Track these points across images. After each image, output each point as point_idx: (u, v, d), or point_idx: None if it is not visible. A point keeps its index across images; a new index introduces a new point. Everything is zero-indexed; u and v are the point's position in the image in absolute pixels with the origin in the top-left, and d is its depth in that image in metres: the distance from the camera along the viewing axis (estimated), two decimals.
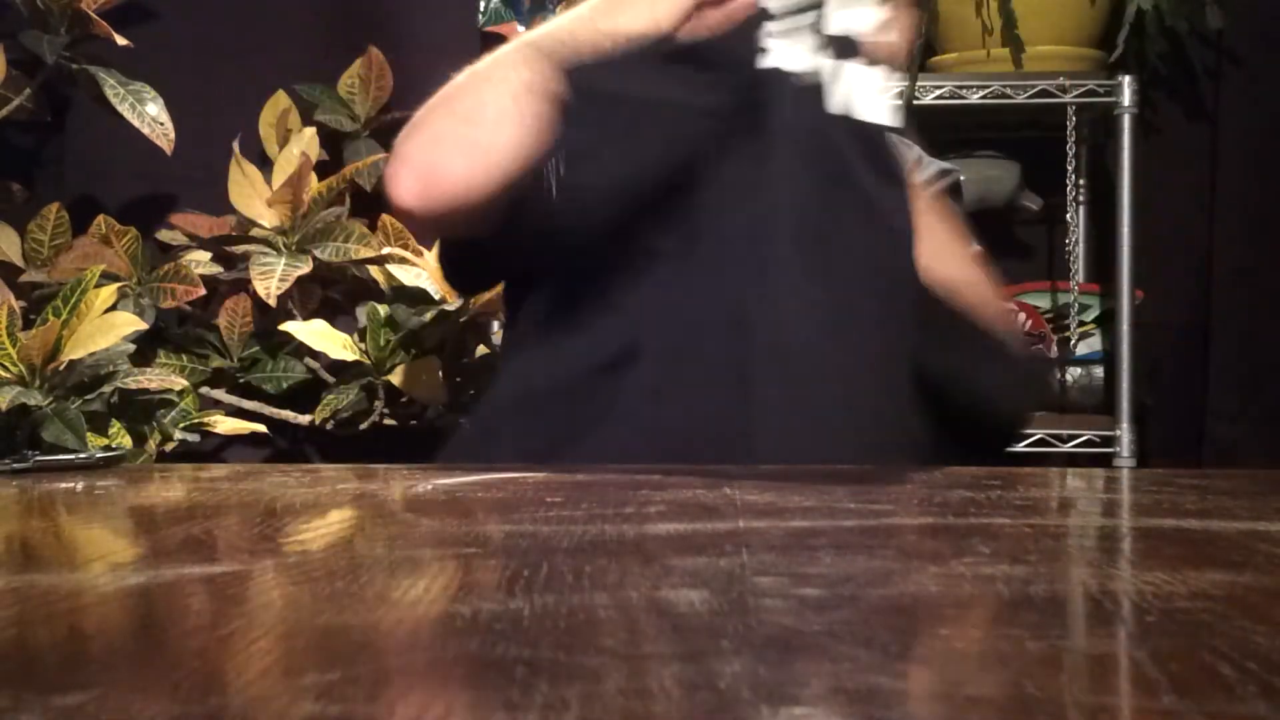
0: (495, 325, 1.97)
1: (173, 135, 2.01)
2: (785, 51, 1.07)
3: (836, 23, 1.08)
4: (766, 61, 1.06)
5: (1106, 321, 2.22)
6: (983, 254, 1.25)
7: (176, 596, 0.48)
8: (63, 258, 1.90)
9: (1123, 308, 2.10)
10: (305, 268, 1.89)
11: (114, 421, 1.84)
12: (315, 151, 2.18)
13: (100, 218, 1.96)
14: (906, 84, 2.13)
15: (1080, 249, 2.30)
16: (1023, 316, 2.32)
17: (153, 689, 0.34)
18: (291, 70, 2.40)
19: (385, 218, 1.97)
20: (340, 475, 0.85)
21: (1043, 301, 2.33)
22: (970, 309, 1.16)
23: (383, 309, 1.91)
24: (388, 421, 1.97)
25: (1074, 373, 2.21)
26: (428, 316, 1.88)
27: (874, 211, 1.09)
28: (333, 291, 2.05)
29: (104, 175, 2.33)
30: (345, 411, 1.94)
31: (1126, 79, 2.10)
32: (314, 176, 2.00)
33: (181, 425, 1.98)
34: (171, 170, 2.17)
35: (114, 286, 1.73)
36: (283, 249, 1.95)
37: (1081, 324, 2.25)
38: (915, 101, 2.14)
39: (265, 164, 2.13)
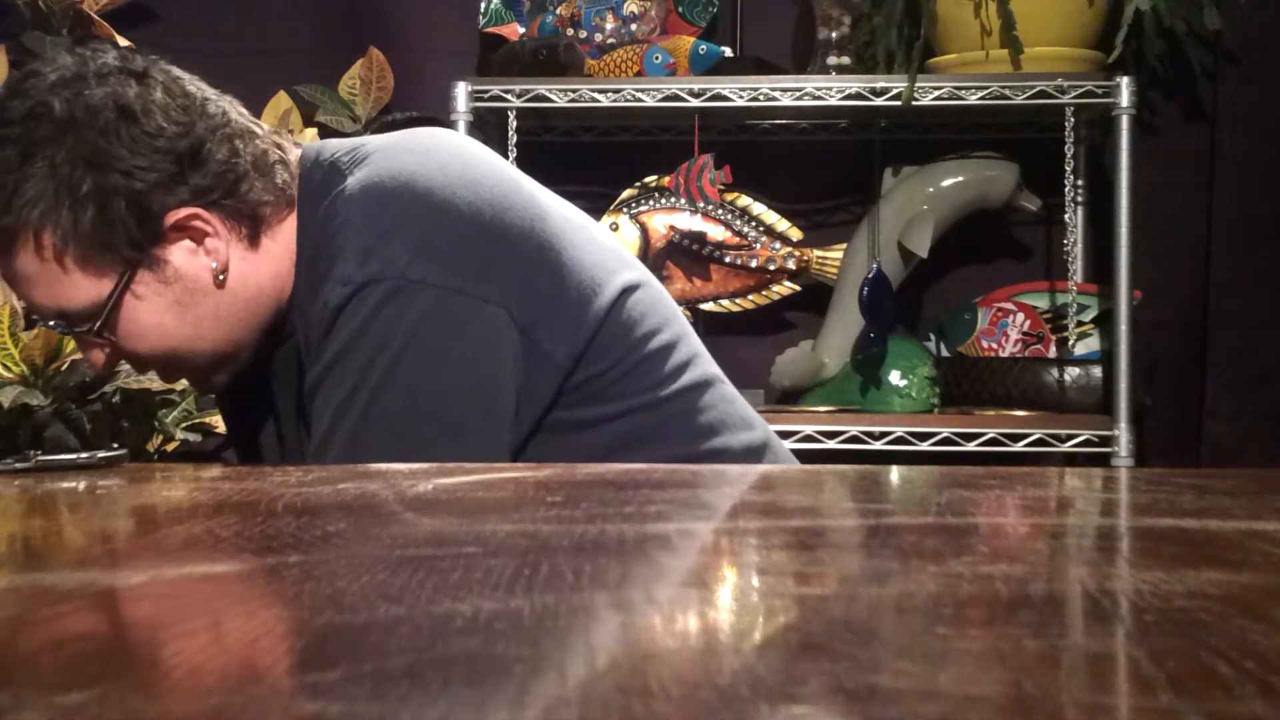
0: None
1: None
2: None
3: None
4: None
5: (1105, 321, 2.22)
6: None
7: (178, 596, 0.48)
8: None
9: (1121, 308, 2.10)
10: None
11: (116, 421, 1.84)
12: None
13: None
14: (905, 85, 2.14)
15: (1079, 249, 2.30)
16: (1022, 316, 2.32)
17: (153, 688, 0.34)
18: (293, 71, 2.40)
19: None
20: (340, 475, 0.85)
21: (1041, 302, 2.33)
22: None
23: None
24: None
25: (1072, 373, 2.22)
26: None
27: None
28: None
29: None
30: None
31: (1125, 80, 2.11)
32: None
33: (183, 425, 1.98)
34: None
35: None
36: None
37: (1080, 324, 2.25)
38: (915, 102, 2.14)
39: None
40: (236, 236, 1.15)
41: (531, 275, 1.09)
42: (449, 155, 1.14)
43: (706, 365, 1.22)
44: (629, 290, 1.15)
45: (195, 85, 1.16)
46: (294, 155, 1.20)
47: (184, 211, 1.12)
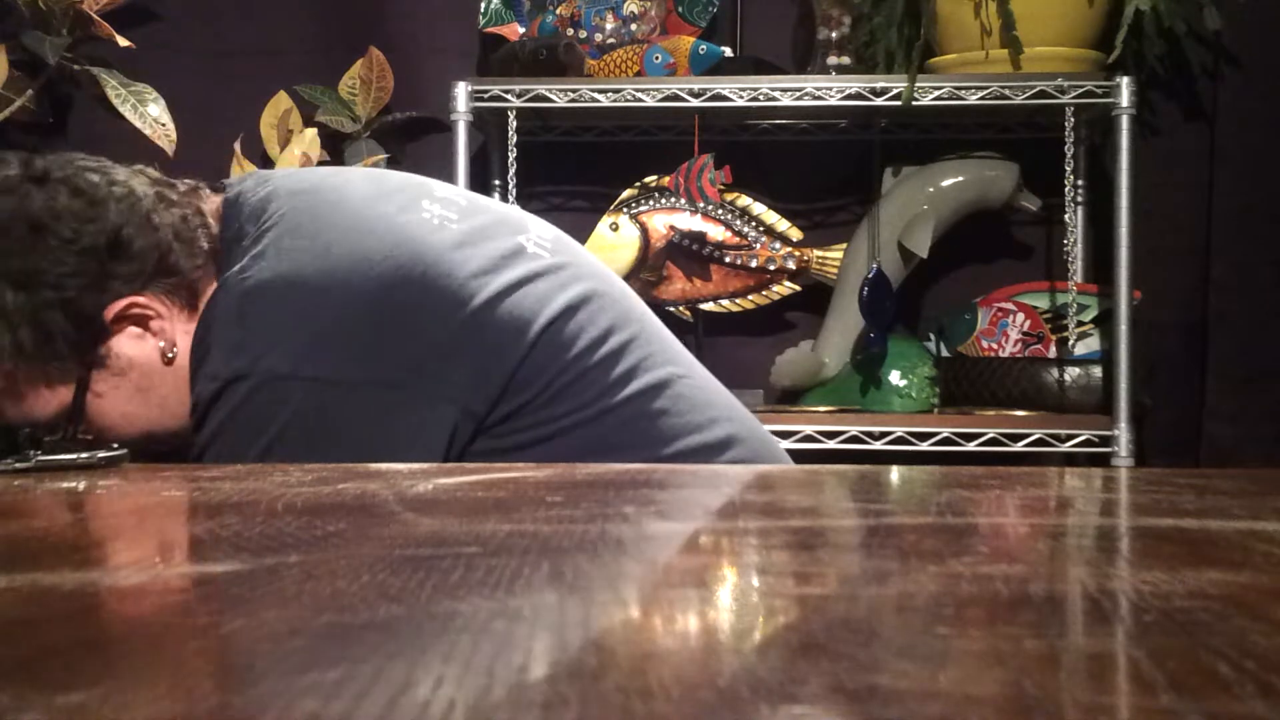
0: None
1: (174, 136, 2.01)
2: None
3: None
4: None
5: (1105, 321, 2.22)
6: None
7: (178, 596, 0.48)
8: None
9: (1121, 308, 2.10)
10: None
11: None
12: (316, 152, 2.18)
13: None
14: (905, 85, 2.14)
15: (1079, 249, 2.30)
16: (1022, 316, 2.32)
17: (154, 688, 0.34)
18: (293, 71, 2.40)
19: None
20: (340, 475, 0.85)
21: (1041, 302, 2.33)
22: None
23: None
24: None
25: (1072, 373, 2.22)
26: None
27: None
28: None
29: None
30: None
31: (1125, 80, 2.11)
32: None
33: None
34: (173, 171, 2.17)
35: None
36: None
37: (1080, 324, 2.25)
38: (915, 102, 2.14)
39: (267, 164, 2.13)
40: (177, 309, 1.14)
41: (431, 343, 1.07)
42: (341, 231, 1.10)
43: (661, 365, 1.17)
44: (566, 312, 1.11)
45: (96, 173, 1.14)
46: (213, 207, 1.18)
47: (121, 303, 1.11)
